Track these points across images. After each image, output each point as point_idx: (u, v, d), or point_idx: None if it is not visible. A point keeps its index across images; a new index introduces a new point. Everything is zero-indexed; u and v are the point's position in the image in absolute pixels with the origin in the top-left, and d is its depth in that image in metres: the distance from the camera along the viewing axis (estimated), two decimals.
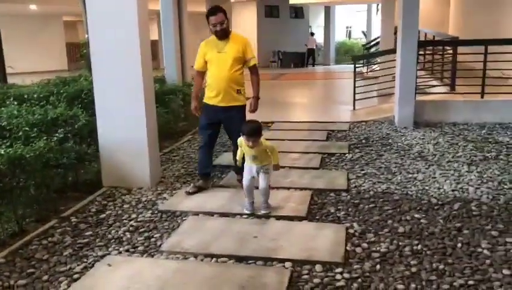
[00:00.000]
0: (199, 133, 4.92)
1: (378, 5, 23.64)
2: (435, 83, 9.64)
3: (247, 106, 4.59)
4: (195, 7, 16.23)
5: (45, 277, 3.06)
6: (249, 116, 4.53)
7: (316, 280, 2.92)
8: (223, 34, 4.38)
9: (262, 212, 3.95)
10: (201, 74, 4.62)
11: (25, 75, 12.38)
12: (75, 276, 3.05)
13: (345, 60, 25.17)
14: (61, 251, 3.43)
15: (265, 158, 3.94)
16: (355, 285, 2.87)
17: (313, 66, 22.78)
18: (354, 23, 35.88)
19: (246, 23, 22.06)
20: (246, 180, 4.00)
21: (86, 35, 9.52)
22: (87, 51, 9.39)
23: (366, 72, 14.80)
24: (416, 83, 7.62)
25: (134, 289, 2.81)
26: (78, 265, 3.20)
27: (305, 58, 22.89)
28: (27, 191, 4.00)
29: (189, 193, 4.48)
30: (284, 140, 6.77)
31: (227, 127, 4.62)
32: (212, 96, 4.47)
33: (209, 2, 15.04)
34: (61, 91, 5.90)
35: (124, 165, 4.74)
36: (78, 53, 19.25)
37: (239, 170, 4.49)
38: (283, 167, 5.33)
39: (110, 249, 3.43)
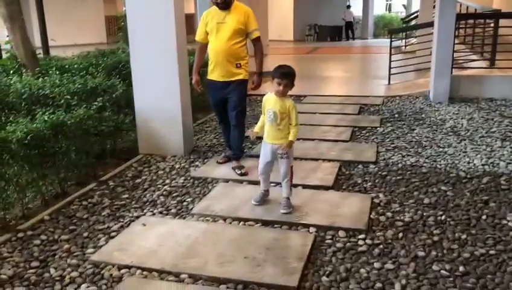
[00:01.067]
0: (213, 110, 4.83)
1: None
2: (474, 57, 9.37)
3: (249, 83, 4.42)
4: None
5: (85, 234, 3.30)
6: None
7: (339, 245, 3.04)
8: (225, 5, 4.17)
9: (282, 211, 3.44)
10: (203, 45, 4.41)
11: (66, 48, 12.77)
12: (113, 234, 3.27)
13: (384, 34, 24.59)
14: (99, 211, 3.67)
15: (285, 128, 3.41)
16: (376, 250, 2.96)
17: (353, 39, 22.40)
18: None
19: None
20: (262, 164, 3.55)
21: (124, 8, 9.74)
22: (125, 24, 9.64)
23: (404, 46, 14.48)
24: (453, 57, 7.46)
25: (166, 245, 3.00)
26: (115, 224, 3.43)
27: (342, 32, 22.51)
28: (68, 156, 4.25)
29: (219, 163, 4.57)
30: (315, 113, 6.83)
31: (228, 105, 4.36)
32: (211, 70, 4.33)
33: None
34: (100, 62, 6.12)
35: (159, 133, 4.93)
36: (117, 26, 19.63)
37: (237, 155, 4.42)
38: (312, 140, 5.44)
39: (145, 211, 3.64)
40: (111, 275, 2.75)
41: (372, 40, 22.94)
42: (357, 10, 24.61)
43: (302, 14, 21.93)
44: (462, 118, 6.26)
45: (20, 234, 3.27)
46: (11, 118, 4.32)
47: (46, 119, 4.01)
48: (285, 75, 3.36)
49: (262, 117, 3.56)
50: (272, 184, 3.76)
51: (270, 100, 3.45)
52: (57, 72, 5.62)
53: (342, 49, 17.95)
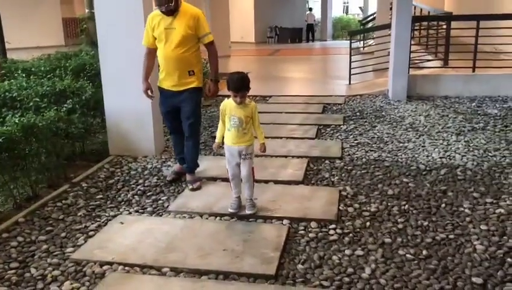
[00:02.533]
0: (163, 119, 4.47)
1: None
2: (429, 57, 9.83)
3: (205, 89, 4.18)
4: None
5: (63, 234, 3.34)
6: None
7: (311, 235, 3.21)
8: (170, 12, 3.84)
9: (248, 212, 3.48)
10: (151, 51, 4.06)
11: (21, 51, 12.48)
12: (91, 233, 3.33)
13: (342, 36, 25.22)
14: (75, 212, 3.71)
15: (249, 130, 3.47)
16: (346, 239, 3.16)
17: (313, 41, 22.87)
18: None
19: None
20: (231, 168, 3.50)
21: (87, 10, 9.65)
22: (88, 26, 9.54)
23: (363, 48, 14.95)
24: (410, 57, 7.83)
25: (146, 242, 3.09)
26: (92, 223, 3.48)
27: (302, 34, 22.94)
28: (39, 158, 4.25)
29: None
30: (281, 113, 7.02)
31: (181, 115, 4.09)
32: (162, 79, 4.05)
33: None
34: (67, 65, 6.08)
35: (129, 134, 4.97)
36: (76, 28, 19.24)
37: (191, 167, 4.17)
38: (280, 138, 5.62)
39: (121, 210, 3.70)
40: (93, 271, 2.81)
41: (331, 41, 23.49)
42: (315, 12, 25.16)
43: (262, 16, 22.21)
44: (419, 115, 6.60)
45: None
46: None
47: (16, 121, 4.00)
48: (239, 89, 3.34)
49: (221, 125, 3.51)
50: None
51: (231, 106, 3.41)
52: (23, 75, 5.55)
53: (303, 51, 18.32)
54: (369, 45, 14.46)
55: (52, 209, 3.76)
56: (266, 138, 5.48)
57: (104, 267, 2.84)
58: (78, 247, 3.11)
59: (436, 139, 5.40)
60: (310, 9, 23.76)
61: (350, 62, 9.36)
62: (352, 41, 10.37)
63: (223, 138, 3.51)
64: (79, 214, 3.67)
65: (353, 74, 9.36)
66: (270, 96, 8.33)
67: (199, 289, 2.59)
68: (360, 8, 30.06)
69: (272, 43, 22.05)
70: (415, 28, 11.29)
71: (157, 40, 3.95)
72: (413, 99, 7.63)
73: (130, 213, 3.66)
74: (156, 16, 3.92)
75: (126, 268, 2.84)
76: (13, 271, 2.85)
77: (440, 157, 4.77)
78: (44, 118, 4.24)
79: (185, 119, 4.04)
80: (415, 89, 7.94)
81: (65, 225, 3.48)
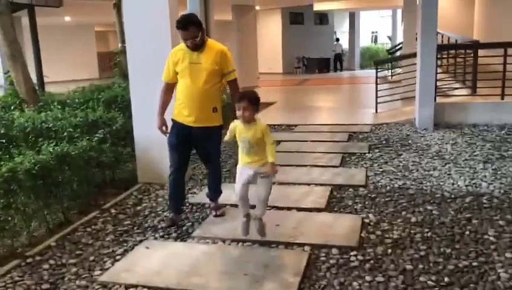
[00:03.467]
0: (169, 154, 4.07)
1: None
2: (457, 85, 9.78)
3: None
4: (221, 16, 16.72)
5: (91, 258, 3.47)
6: None
7: (332, 261, 3.24)
8: (196, 47, 3.76)
9: (260, 235, 3.47)
10: (170, 86, 3.96)
11: (59, 84, 13.08)
12: (118, 257, 3.44)
13: (370, 65, 25.29)
14: (104, 237, 3.85)
15: (262, 150, 3.30)
16: (367, 265, 3.16)
17: (341, 70, 23.06)
18: (380, 28, 35.87)
19: (270, 30, 22.53)
20: (238, 188, 3.39)
21: (120, 45, 10.10)
22: (121, 59, 9.97)
23: (391, 76, 14.97)
24: (436, 85, 7.83)
25: (169, 266, 3.18)
26: (119, 248, 3.60)
27: (329, 64, 23.16)
28: (71, 186, 4.45)
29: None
30: (306, 141, 7.10)
31: (201, 151, 4.04)
32: (179, 111, 3.87)
33: (236, 12, 15.58)
34: (99, 96, 6.37)
35: (157, 163, 5.13)
36: (109, 62, 20.04)
37: (217, 195, 4.15)
38: (304, 166, 5.68)
39: (147, 236, 3.82)
40: None
41: (358, 71, 23.60)
42: (343, 42, 25.41)
43: (290, 47, 22.58)
44: (446, 143, 6.55)
45: (29, 260, 3.44)
46: (15, 151, 4.53)
47: (51, 150, 4.22)
48: (241, 98, 3.24)
49: (228, 134, 3.48)
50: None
51: (240, 128, 3.32)
52: (59, 107, 5.85)
53: (330, 81, 18.45)
54: (397, 74, 14.48)
55: (82, 234, 3.92)
56: (289, 166, 5.66)
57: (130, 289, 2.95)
58: (106, 270, 3.23)
59: (462, 167, 5.35)
60: (337, 39, 24.02)
61: (376, 91, 9.42)
62: (380, 70, 10.44)
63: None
64: (107, 239, 3.81)
65: (380, 103, 9.39)
66: (296, 126, 8.43)
67: None
68: (389, 37, 30.15)
69: (300, 74, 22.31)
70: (443, 56, 11.32)
71: (180, 75, 3.82)
72: (440, 128, 7.58)
73: (156, 238, 3.77)
74: (180, 51, 3.83)
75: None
76: None
77: (466, 185, 4.72)
78: (77, 147, 4.46)
79: (208, 158, 4.04)
80: (443, 117, 7.89)
81: (94, 249, 3.62)
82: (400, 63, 13.97)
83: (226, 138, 3.52)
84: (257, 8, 18.34)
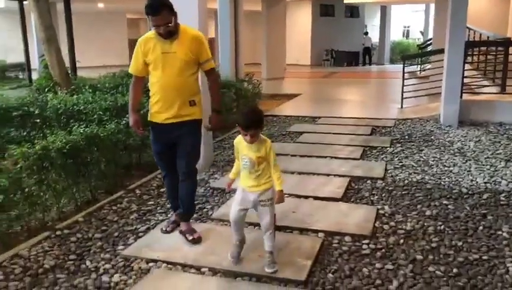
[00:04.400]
0: (156, 160, 3.70)
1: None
2: (486, 83, 9.64)
3: (203, 121, 3.63)
4: (251, 6, 16.81)
5: (116, 233, 3.67)
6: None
7: (345, 248, 3.35)
8: (169, 34, 3.31)
9: (267, 270, 2.96)
10: (140, 80, 3.55)
11: (90, 69, 13.47)
12: (140, 234, 3.64)
13: (400, 60, 24.96)
14: (128, 215, 4.05)
15: (265, 172, 3.00)
16: (378, 254, 3.26)
17: (369, 64, 22.87)
18: (413, 23, 35.29)
19: (300, 22, 22.47)
20: (234, 211, 3.04)
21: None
22: None
23: (420, 72, 14.81)
24: (462, 82, 7.76)
25: (188, 244, 3.36)
26: (142, 226, 3.80)
27: (358, 57, 22.98)
28: (99, 166, 4.66)
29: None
30: (328, 133, 7.17)
31: (178, 151, 3.50)
32: (157, 111, 3.43)
33: (266, 2, 15.62)
34: (129, 82, 6.57)
35: None
36: None
37: (188, 213, 3.61)
38: (324, 157, 5.77)
39: (168, 215, 3.99)
40: (140, 267, 3.10)
41: (388, 65, 23.32)
42: (374, 36, 25.14)
43: (319, 40, 22.49)
44: (469, 141, 6.52)
45: (58, 232, 3.67)
46: (48, 131, 4.78)
47: (81, 131, 4.44)
48: (249, 127, 2.91)
49: (237, 162, 3.14)
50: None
51: (242, 145, 3.03)
52: (90, 91, 6.09)
53: (358, 74, 18.35)
54: (426, 69, 14.31)
55: (108, 211, 4.13)
56: (310, 156, 5.76)
57: (150, 264, 3.13)
58: (128, 245, 3.43)
59: (483, 165, 5.35)
60: (366, 33, 23.75)
61: (403, 86, 9.38)
62: (408, 65, 10.37)
63: (237, 175, 3.15)
64: (131, 217, 4.01)
65: (406, 98, 9.35)
66: (319, 118, 8.50)
67: (233, 288, 2.81)
68: (421, 32, 29.65)
69: (328, 66, 22.23)
70: (474, 53, 11.14)
71: (152, 67, 3.38)
72: (465, 125, 7.53)
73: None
74: (150, 40, 3.36)
75: (169, 266, 3.10)
76: (71, 262, 3.20)
77: (484, 182, 4.74)
78: (105, 130, 4.67)
79: (183, 155, 3.47)
80: (469, 114, 7.82)
81: (118, 226, 3.82)
82: (429, 59, 13.82)
83: (232, 170, 3.19)
84: None
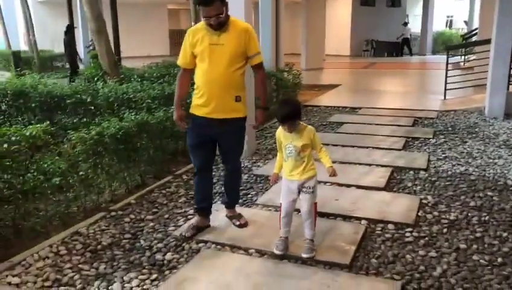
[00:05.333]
0: (190, 154, 3.57)
1: None
2: None
3: (248, 119, 3.51)
4: None
5: (166, 215, 3.87)
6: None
7: (388, 235, 3.41)
8: (220, 25, 3.24)
9: (304, 255, 3.04)
10: (188, 72, 3.46)
11: (132, 59, 13.84)
12: (189, 217, 3.81)
13: (443, 51, 24.32)
14: (176, 199, 4.24)
15: (309, 160, 3.06)
16: (422, 241, 3.31)
17: (410, 55, 22.42)
18: (456, 13, 34.24)
19: (340, 12, 22.25)
20: (285, 204, 3.11)
21: (192, 23, 10.53)
22: None
23: (463, 63, 14.45)
24: (509, 73, 7.57)
25: (235, 227, 3.50)
26: (191, 209, 3.97)
27: (399, 48, 22.56)
28: (148, 152, 4.87)
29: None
30: (370, 124, 7.17)
31: (221, 146, 3.48)
32: (200, 105, 3.34)
33: None
34: (175, 72, 6.79)
35: None
36: (180, 39, 20.76)
37: (235, 201, 3.69)
38: (366, 148, 5.80)
39: (215, 200, 4.14)
40: (190, 247, 3.28)
41: (430, 56, 22.78)
42: (416, 26, 24.58)
43: (359, 30, 22.22)
44: None
45: (113, 213, 3.89)
46: (101, 118, 5.03)
47: (132, 118, 4.66)
48: (285, 120, 2.99)
49: (279, 155, 3.17)
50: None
51: (285, 134, 3.06)
52: (138, 80, 6.33)
53: (399, 65, 18.05)
54: (471, 60, 13.95)
55: (158, 195, 4.33)
56: (351, 146, 5.80)
57: (200, 245, 3.30)
58: (179, 227, 3.61)
59: None
60: (405, 23, 23.21)
61: (446, 77, 9.23)
62: (452, 56, 10.16)
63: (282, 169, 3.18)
64: (180, 201, 4.20)
65: (450, 89, 9.21)
66: (360, 108, 8.50)
67: (279, 269, 2.94)
68: (465, 22, 28.73)
69: (368, 57, 21.95)
70: None
71: (199, 59, 3.31)
72: (511, 117, 7.36)
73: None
74: (199, 31, 3.31)
75: (218, 246, 3.26)
76: (127, 240, 3.41)
77: None
78: (154, 117, 4.87)
79: (229, 153, 3.50)
80: None
81: (168, 209, 4.02)
82: (474, 50, 13.46)
83: (276, 164, 3.21)
84: None
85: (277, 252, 3.11)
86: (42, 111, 6.37)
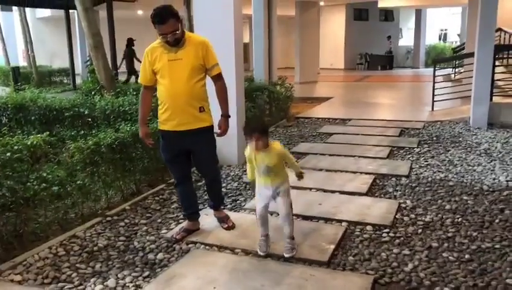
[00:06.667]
0: (168, 168, 3.88)
1: None
2: None
3: (214, 127, 3.64)
4: (284, 11, 17.18)
5: (159, 220, 4.10)
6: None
7: (366, 236, 3.65)
8: (176, 42, 3.38)
9: (286, 255, 3.24)
10: (150, 90, 3.62)
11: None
12: (181, 221, 4.04)
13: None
14: (169, 205, 4.47)
15: (281, 170, 3.27)
16: (397, 241, 3.55)
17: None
18: (450, 26, 34.83)
19: (333, 26, 22.69)
20: (259, 209, 3.31)
21: None
22: None
23: (454, 75, 14.78)
24: (492, 85, 7.87)
25: (223, 229, 3.74)
26: (181, 214, 4.16)
27: (392, 61, 22.98)
28: (143, 162, 5.11)
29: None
30: (358, 134, 7.44)
31: (194, 158, 3.64)
32: (166, 119, 3.49)
33: (299, 7, 15.96)
34: None
35: (224, 145, 5.57)
36: None
37: (219, 204, 3.89)
38: (353, 156, 6.05)
39: (206, 206, 4.37)
40: (181, 247, 3.51)
41: (423, 69, 23.17)
42: (409, 40, 25.04)
43: (353, 43, 22.65)
44: (497, 142, 6.66)
45: (108, 218, 4.12)
46: (98, 129, 5.27)
47: (127, 129, 4.90)
48: (251, 132, 3.13)
49: (250, 165, 3.37)
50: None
51: (256, 156, 3.21)
52: (134, 93, 6.59)
53: (392, 78, 18.42)
54: (460, 72, 14.29)
55: (151, 201, 4.57)
56: (339, 156, 6.05)
57: (189, 245, 3.53)
58: (170, 229, 3.84)
59: (507, 165, 5.51)
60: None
61: (433, 89, 9.53)
62: (441, 68, 10.47)
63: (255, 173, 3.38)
64: (172, 207, 4.43)
65: (437, 101, 9.50)
66: (350, 120, 8.77)
67: (262, 265, 3.17)
68: (458, 35, 29.25)
69: (362, 70, 22.32)
70: (509, 56, 11.13)
71: (160, 75, 3.44)
72: (495, 127, 7.64)
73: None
74: (156, 49, 3.45)
75: (207, 247, 3.49)
76: (121, 242, 3.64)
77: (507, 181, 4.92)
78: (148, 128, 5.10)
79: (203, 164, 3.69)
80: (499, 117, 7.92)
81: (161, 214, 4.25)
82: (463, 62, 13.81)
83: (248, 173, 3.44)
84: (321, 4, 18.62)
85: (260, 253, 3.33)
86: (41, 124, 6.62)
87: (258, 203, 3.34)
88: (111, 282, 3.03)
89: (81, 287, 3.01)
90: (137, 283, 3.04)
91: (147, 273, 3.16)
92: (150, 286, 2.96)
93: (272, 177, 3.22)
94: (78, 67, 17.05)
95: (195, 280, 3.01)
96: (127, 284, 3.02)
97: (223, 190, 4.78)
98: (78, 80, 15.96)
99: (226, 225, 3.80)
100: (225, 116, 3.64)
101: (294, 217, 3.94)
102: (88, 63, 9.95)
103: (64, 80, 17.81)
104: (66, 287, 3.01)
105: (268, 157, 3.17)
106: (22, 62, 20.95)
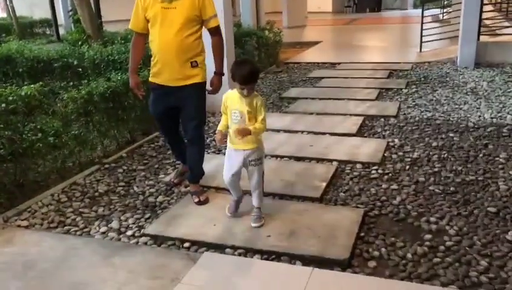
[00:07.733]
0: (156, 121, 3.71)
1: None
2: (507, 24, 9.69)
3: (207, 84, 3.39)
4: None
5: (156, 166, 4.22)
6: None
7: (355, 173, 3.82)
8: None
9: (253, 225, 2.99)
10: (141, 37, 3.39)
11: (114, 23, 13.83)
12: (177, 165, 4.16)
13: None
14: (165, 151, 4.58)
15: (253, 124, 2.87)
16: (385, 177, 3.72)
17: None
18: None
19: None
20: (227, 177, 3.02)
21: None
22: None
23: (442, 15, 14.69)
24: (480, 24, 7.88)
25: (220, 173, 3.80)
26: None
27: (381, 3, 22.64)
28: (135, 111, 5.16)
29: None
30: (347, 78, 7.51)
31: (180, 114, 3.39)
32: (156, 72, 3.31)
33: None
34: None
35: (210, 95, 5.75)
36: None
37: (196, 176, 3.51)
38: (342, 100, 6.16)
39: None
40: (179, 191, 3.65)
41: (411, 10, 22.89)
42: None
43: None
44: (483, 81, 6.78)
45: (106, 166, 4.23)
46: (90, 79, 5.27)
47: (119, 78, 4.92)
48: (248, 81, 2.79)
49: (224, 117, 3.00)
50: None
51: (234, 99, 2.88)
52: (122, 42, 6.53)
53: (380, 20, 18.24)
54: (448, 12, 14.19)
55: (147, 149, 4.67)
56: (328, 99, 6.15)
57: (188, 188, 3.66)
58: (168, 174, 3.97)
59: (492, 102, 5.66)
60: None
61: (421, 30, 9.51)
62: (429, 8, 10.39)
63: (227, 128, 3.00)
64: (168, 152, 4.53)
65: (425, 42, 9.51)
66: (339, 63, 8.80)
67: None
68: None
69: (350, 13, 22.00)
70: None
71: (151, 23, 3.21)
72: (481, 66, 7.74)
73: (208, 153, 4.44)
74: None
75: (205, 189, 3.62)
76: (121, 188, 3.77)
77: (491, 118, 5.08)
78: (140, 77, 5.11)
79: (187, 121, 3.36)
80: (485, 56, 8.01)
81: (157, 160, 4.36)
82: (451, 2, 13.69)
83: (221, 124, 3.01)
84: None
85: (228, 213, 3.14)
86: (30, 76, 6.57)
87: (226, 170, 3.03)
88: (114, 224, 3.18)
89: (86, 229, 3.16)
90: (139, 224, 3.19)
91: (148, 215, 3.31)
92: (152, 226, 3.11)
93: (245, 141, 2.87)
94: (61, 18, 16.57)
95: (195, 218, 3.16)
96: (130, 226, 3.17)
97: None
98: (62, 31, 15.56)
99: (198, 199, 3.37)
100: (219, 73, 3.40)
101: (286, 158, 4.12)
102: (71, 12, 9.72)
103: (47, 32, 17.33)
104: (72, 229, 3.15)
105: (246, 103, 2.84)
106: (0, 13, 20.30)
